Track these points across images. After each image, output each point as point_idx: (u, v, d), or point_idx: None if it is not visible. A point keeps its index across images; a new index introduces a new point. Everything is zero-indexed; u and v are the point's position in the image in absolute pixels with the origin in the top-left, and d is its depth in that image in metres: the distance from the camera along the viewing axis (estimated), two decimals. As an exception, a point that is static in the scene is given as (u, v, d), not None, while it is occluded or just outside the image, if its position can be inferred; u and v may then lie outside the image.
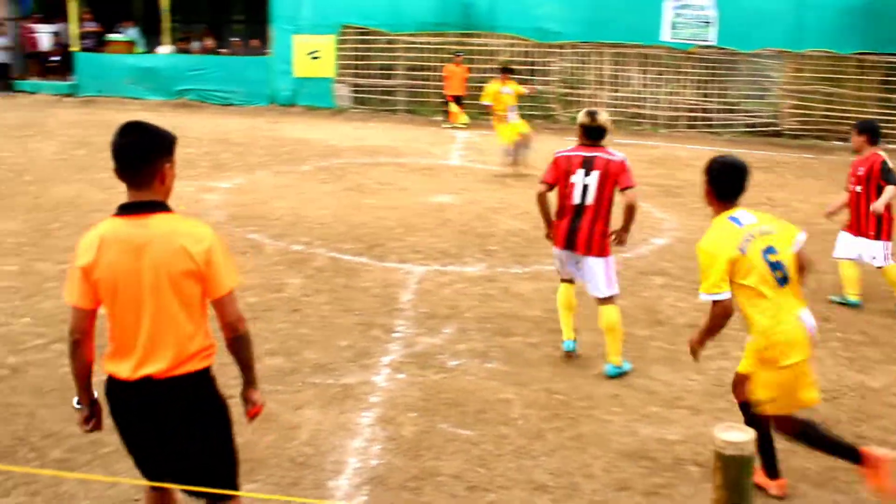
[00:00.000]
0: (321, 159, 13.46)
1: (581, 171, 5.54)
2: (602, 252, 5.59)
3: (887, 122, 18.04)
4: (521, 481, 4.22)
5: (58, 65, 22.33)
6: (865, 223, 7.19)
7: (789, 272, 4.02)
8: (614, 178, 5.53)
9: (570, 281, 5.86)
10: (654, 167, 13.89)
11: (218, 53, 22.20)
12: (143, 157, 2.93)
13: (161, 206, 2.96)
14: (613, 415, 5.03)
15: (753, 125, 18.32)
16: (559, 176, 5.66)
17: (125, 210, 2.94)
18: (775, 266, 3.99)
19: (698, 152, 15.65)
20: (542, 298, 7.04)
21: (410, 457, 4.40)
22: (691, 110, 18.35)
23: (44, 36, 22.68)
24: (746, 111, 18.48)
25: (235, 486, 3.22)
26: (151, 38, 23.21)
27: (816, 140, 17.98)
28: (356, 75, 20.28)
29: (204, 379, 3.06)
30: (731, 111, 18.30)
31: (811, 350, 4.08)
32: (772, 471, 4.25)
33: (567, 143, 13.78)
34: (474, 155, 14.76)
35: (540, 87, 18.84)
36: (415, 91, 20.17)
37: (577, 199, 5.55)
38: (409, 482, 4.15)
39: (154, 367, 2.91)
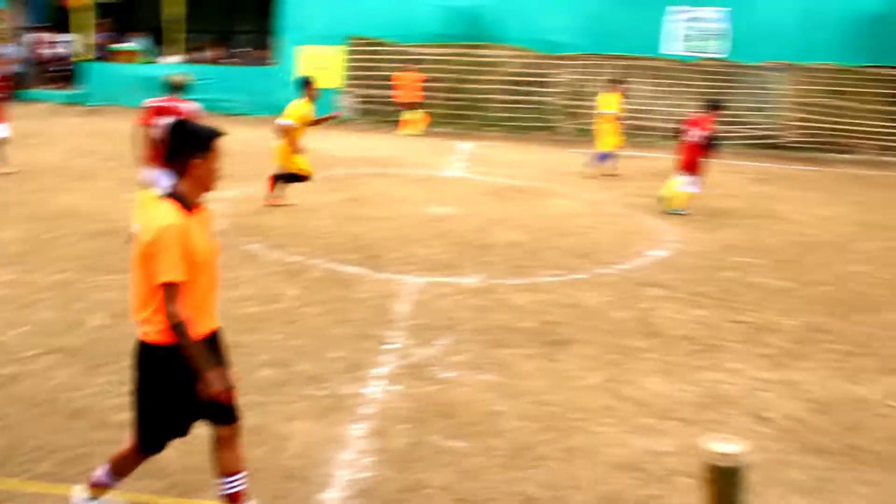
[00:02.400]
0: (324, 169, 13.47)
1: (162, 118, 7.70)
2: None
3: (891, 134, 18.04)
4: (510, 493, 4.23)
5: (65, 74, 22.53)
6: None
7: None
8: None
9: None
10: (658, 179, 13.87)
11: (225, 63, 22.36)
12: (174, 153, 3.45)
13: (169, 194, 3.44)
14: (605, 426, 5.04)
15: (755, 138, 18.32)
16: (150, 118, 8.09)
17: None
18: None
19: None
20: (538, 310, 7.06)
21: (400, 469, 4.41)
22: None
23: (53, 45, 22.92)
24: (749, 123, 18.46)
25: (138, 444, 3.65)
26: (161, 48, 23.40)
27: (818, 153, 17.98)
28: (363, 86, 20.38)
29: (149, 350, 3.44)
30: (734, 123, 18.27)
31: None
32: None
33: (572, 155, 13.93)
34: (476, 167, 14.80)
35: (544, 99, 18.98)
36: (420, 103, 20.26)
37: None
38: (398, 494, 4.17)
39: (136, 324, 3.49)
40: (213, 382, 3.40)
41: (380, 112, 20.39)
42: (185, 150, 3.42)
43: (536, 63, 19.37)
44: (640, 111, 18.37)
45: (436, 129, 19.00)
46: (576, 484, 4.37)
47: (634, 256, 9.02)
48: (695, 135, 10.96)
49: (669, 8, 17.91)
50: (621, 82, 14.79)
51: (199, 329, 3.44)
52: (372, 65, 20.22)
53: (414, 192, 12.11)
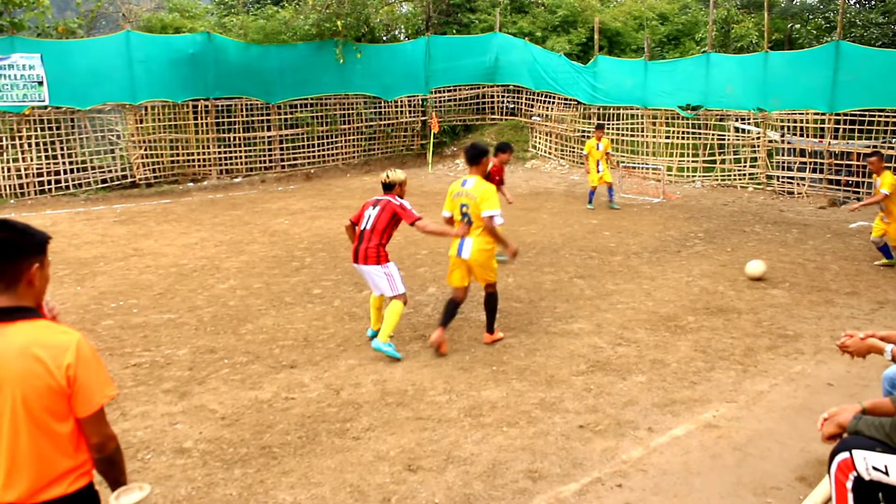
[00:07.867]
0: None
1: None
2: None
3: (228, 159, 19.77)
4: None
5: None
6: None
7: (472, 219, 7.13)
8: None
9: None
10: None
11: None
12: (6, 258, 2.67)
13: (25, 313, 2.69)
14: None
15: (108, 180, 18.21)
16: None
17: None
18: (463, 213, 7.18)
19: (56, 217, 14.99)
20: None
21: None
22: (39, 174, 17.39)
23: None
24: (98, 167, 18.25)
25: None
26: None
27: (171, 185, 18.76)
28: None
29: (78, 501, 2.74)
30: (83, 169, 17.89)
31: (457, 260, 7.20)
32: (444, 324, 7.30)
33: None
34: None
35: None
36: None
37: None
38: None
39: (14, 494, 2.62)
40: None
41: None
42: (27, 255, 2.72)
43: None
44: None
45: None
46: None
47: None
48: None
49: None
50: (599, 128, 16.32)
51: None
52: None
53: None
